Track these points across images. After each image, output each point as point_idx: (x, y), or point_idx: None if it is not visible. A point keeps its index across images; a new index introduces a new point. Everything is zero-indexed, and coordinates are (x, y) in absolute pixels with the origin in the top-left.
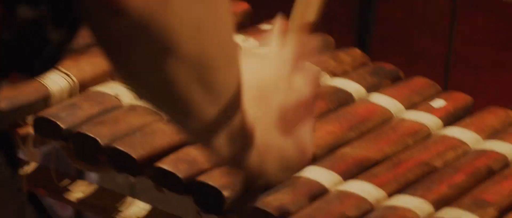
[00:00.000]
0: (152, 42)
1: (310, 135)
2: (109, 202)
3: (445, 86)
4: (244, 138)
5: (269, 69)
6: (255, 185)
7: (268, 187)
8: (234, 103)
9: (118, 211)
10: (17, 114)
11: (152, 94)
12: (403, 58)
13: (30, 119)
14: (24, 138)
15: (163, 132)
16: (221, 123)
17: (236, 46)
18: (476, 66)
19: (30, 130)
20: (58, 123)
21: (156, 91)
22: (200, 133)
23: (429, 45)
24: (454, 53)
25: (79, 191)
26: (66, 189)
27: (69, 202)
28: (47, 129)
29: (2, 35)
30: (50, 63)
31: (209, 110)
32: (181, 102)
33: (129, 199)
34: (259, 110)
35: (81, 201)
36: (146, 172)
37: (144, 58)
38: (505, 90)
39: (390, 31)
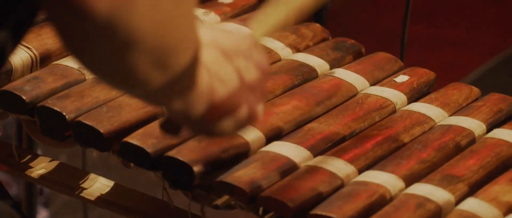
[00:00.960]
0: (115, 40)
1: (260, 109)
2: (72, 178)
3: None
4: (199, 98)
5: (232, 38)
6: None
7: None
8: (192, 74)
9: (81, 188)
10: None
11: (111, 79)
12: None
13: None
14: None
15: (130, 106)
16: (177, 90)
17: (195, 25)
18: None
19: None
20: (22, 96)
21: (115, 77)
22: (152, 98)
23: (377, 20)
24: (393, 29)
25: (40, 167)
26: (27, 166)
27: (31, 179)
28: (10, 103)
29: None
30: None
31: (164, 83)
32: (139, 83)
33: (92, 175)
34: (221, 68)
35: (43, 178)
36: (113, 147)
37: (106, 53)
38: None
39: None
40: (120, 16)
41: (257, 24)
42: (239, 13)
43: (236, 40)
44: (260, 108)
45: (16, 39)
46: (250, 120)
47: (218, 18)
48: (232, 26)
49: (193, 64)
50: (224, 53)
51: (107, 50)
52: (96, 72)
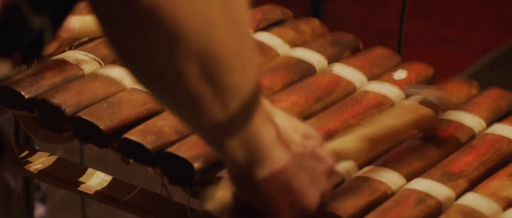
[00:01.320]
0: (160, 32)
1: (317, 200)
2: (70, 173)
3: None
4: (259, 148)
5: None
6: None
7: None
8: (249, 108)
9: (79, 183)
10: None
11: (160, 87)
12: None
13: None
14: None
15: (130, 103)
16: (233, 126)
17: (253, 48)
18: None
19: None
20: (21, 92)
21: (164, 85)
22: (209, 133)
23: (374, 17)
24: (388, 25)
25: (39, 162)
26: (26, 161)
27: (29, 173)
28: (9, 98)
29: None
30: (33, 50)
31: (220, 110)
32: (189, 99)
33: (90, 170)
34: (291, 138)
35: (41, 172)
36: (113, 143)
37: (151, 49)
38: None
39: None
40: (164, 5)
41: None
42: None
43: (306, 129)
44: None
45: (55, 26)
46: (305, 210)
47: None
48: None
49: (253, 97)
50: (296, 129)
51: (152, 44)
52: (143, 74)
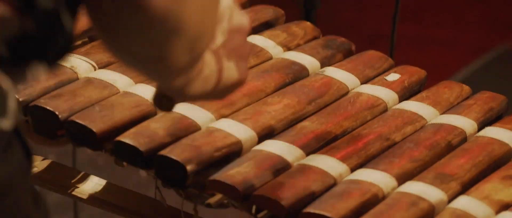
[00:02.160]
0: (164, 30)
1: (246, 63)
2: (64, 177)
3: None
4: (196, 76)
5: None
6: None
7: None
8: (202, 54)
9: (73, 186)
10: None
11: (137, 61)
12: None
13: None
14: None
15: (123, 106)
16: (186, 69)
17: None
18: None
19: None
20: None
21: (145, 60)
22: (161, 76)
23: (364, 20)
24: (379, 28)
25: (33, 166)
26: None
27: None
28: None
29: (23, 25)
30: (65, 50)
31: (185, 62)
32: (165, 62)
33: (84, 174)
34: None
35: (36, 176)
36: (106, 146)
37: (149, 40)
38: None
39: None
40: (175, 8)
41: None
42: None
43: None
44: (245, 67)
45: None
46: (240, 84)
47: None
48: None
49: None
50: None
51: (153, 38)
52: (125, 55)
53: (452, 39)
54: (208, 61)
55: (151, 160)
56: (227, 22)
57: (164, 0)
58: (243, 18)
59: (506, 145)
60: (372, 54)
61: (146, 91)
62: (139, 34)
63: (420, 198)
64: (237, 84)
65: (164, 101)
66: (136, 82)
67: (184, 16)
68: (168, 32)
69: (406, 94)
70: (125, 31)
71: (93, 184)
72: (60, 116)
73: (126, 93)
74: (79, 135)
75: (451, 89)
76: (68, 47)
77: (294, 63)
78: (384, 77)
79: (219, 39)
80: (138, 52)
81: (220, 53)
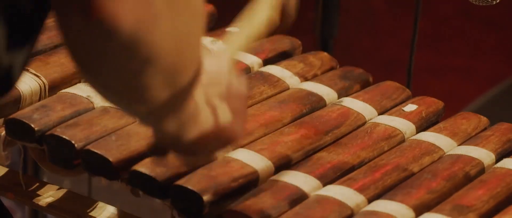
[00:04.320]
0: (137, 57)
1: (241, 127)
2: (80, 206)
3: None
4: (191, 117)
5: (215, 64)
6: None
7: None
8: (191, 90)
9: (89, 216)
10: None
11: (119, 95)
12: (362, 63)
13: (1, 121)
14: None
15: (138, 135)
16: (174, 108)
17: (201, 48)
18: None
19: (1, 132)
20: (31, 124)
21: (124, 94)
22: (149, 118)
23: (382, 48)
24: (396, 55)
25: (48, 195)
26: (35, 194)
27: (38, 206)
28: (19, 131)
29: None
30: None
31: (165, 98)
32: (145, 100)
33: (100, 203)
34: (205, 94)
35: (51, 206)
36: (122, 176)
37: (124, 70)
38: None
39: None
40: (144, 33)
41: (232, 41)
42: None
43: (218, 67)
44: (240, 129)
45: (25, 62)
46: (233, 142)
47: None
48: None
49: (195, 84)
50: (211, 80)
51: (126, 67)
52: (104, 89)
53: (468, 68)
54: (201, 106)
55: (167, 189)
56: (225, 87)
57: (131, 26)
58: (241, 84)
59: None
60: (389, 85)
61: None
62: (112, 64)
63: None
64: (233, 139)
65: (157, 150)
66: None
67: (155, 43)
68: (141, 60)
69: (424, 125)
70: (99, 62)
71: (108, 214)
72: (76, 145)
73: None
74: (96, 164)
75: (469, 121)
76: (6, 92)
77: (311, 93)
78: (402, 108)
79: (214, 96)
80: (115, 86)
81: (214, 102)
